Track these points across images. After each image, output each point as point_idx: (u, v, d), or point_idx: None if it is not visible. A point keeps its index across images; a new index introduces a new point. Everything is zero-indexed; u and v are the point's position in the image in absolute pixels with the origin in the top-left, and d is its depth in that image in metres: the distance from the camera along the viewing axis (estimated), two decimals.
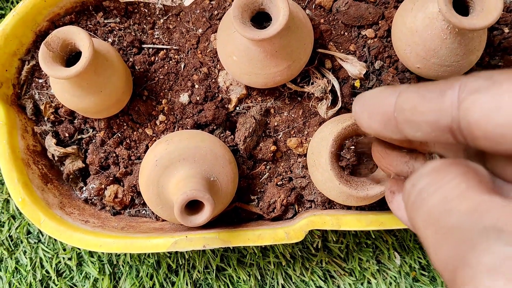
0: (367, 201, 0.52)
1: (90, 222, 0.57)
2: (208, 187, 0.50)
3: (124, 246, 0.53)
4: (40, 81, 0.59)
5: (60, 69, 0.48)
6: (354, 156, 0.53)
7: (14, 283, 0.65)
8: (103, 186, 0.59)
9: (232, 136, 0.57)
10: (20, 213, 0.66)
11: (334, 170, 0.49)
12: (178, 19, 0.59)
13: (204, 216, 0.48)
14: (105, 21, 0.60)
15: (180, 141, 0.52)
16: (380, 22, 0.57)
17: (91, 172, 0.59)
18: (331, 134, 0.49)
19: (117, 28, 0.59)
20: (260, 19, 0.52)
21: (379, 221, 0.54)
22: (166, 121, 0.58)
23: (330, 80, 0.57)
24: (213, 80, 0.58)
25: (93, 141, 0.59)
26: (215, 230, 0.55)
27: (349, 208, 0.58)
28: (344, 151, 0.53)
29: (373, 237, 0.65)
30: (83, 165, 0.59)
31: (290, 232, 0.54)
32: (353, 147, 0.53)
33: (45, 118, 0.59)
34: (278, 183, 0.58)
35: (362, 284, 0.65)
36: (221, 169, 0.52)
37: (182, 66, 0.59)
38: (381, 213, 0.55)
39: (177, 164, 0.51)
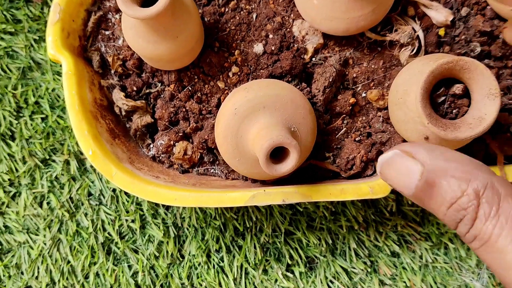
0: (451, 146, 0.49)
1: (161, 178, 0.54)
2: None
3: (200, 199, 0.51)
4: (107, 33, 0.57)
5: (139, 9, 0.46)
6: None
7: (75, 246, 0.63)
8: (172, 142, 0.56)
9: (308, 88, 0.54)
10: (81, 175, 0.64)
11: (425, 109, 0.45)
12: None
13: (290, 164, 0.45)
14: None
15: (260, 88, 0.49)
16: None
17: (159, 128, 0.57)
18: (423, 70, 0.46)
19: None
20: None
21: None
22: (239, 73, 0.55)
23: (413, 27, 0.53)
24: (288, 30, 0.55)
25: (162, 95, 0.56)
26: (293, 186, 0.52)
27: None
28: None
29: None
30: (152, 120, 0.56)
31: (374, 186, 0.51)
32: (444, 96, 0.49)
33: (112, 71, 0.56)
34: (356, 139, 0.55)
35: (439, 249, 0.62)
36: (302, 120, 0.50)
37: (254, 16, 0.56)
38: None
39: (258, 113, 0.48)
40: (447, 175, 0.30)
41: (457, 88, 0.48)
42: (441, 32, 0.54)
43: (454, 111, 0.48)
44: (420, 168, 0.30)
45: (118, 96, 0.55)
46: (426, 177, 0.30)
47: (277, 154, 0.46)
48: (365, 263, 0.62)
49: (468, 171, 0.30)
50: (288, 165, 0.45)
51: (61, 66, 0.61)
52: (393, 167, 0.32)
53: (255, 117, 0.48)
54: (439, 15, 0.53)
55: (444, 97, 0.48)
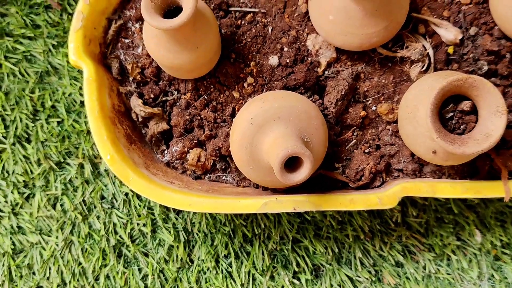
0: (458, 160, 0.51)
1: (175, 183, 0.56)
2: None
3: (214, 205, 0.52)
4: (126, 41, 0.59)
5: (163, 20, 0.47)
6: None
7: (86, 248, 0.64)
8: (186, 149, 0.58)
9: (320, 100, 0.56)
10: (95, 178, 0.65)
11: (434, 124, 0.47)
12: None
13: (303, 173, 0.47)
14: None
15: (275, 100, 0.51)
16: None
17: (174, 135, 0.59)
18: (433, 87, 0.48)
19: None
20: None
21: (475, 188, 0.53)
22: (254, 84, 0.57)
23: (423, 45, 0.55)
24: (302, 44, 0.57)
25: (178, 103, 0.58)
26: (304, 194, 0.54)
27: (439, 177, 0.56)
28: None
29: (455, 212, 0.64)
30: (168, 127, 0.58)
31: (383, 197, 0.53)
32: (452, 112, 0.51)
33: (131, 79, 0.58)
34: (366, 151, 0.57)
35: (441, 260, 0.63)
36: (314, 131, 0.51)
37: (270, 29, 0.58)
38: (477, 182, 0.54)
39: (273, 123, 0.50)
40: None
41: (465, 105, 0.50)
42: (450, 50, 0.56)
43: (461, 126, 0.50)
44: None
45: (136, 103, 0.57)
46: None
47: (290, 163, 0.48)
48: (369, 272, 0.63)
49: None
50: (301, 175, 0.47)
51: (78, 71, 0.63)
52: None
53: (270, 127, 0.50)
54: (449, 33, 0.55)
55: (452, 113, 0.50)
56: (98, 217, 0.65)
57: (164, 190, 0.53)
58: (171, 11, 0.51)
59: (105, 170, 0.65)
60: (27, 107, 0.66)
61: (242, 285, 0.63)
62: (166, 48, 0.51)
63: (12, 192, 0.65)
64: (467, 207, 0.64)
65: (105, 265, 0.64)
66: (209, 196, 0.53)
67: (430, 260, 0.63)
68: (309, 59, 0.57)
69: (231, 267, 0.63)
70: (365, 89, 0.57)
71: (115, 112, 0.57)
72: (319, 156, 0.53)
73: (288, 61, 0.56)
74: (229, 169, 0.59)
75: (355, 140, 0.57)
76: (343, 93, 0.55)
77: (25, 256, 0.65)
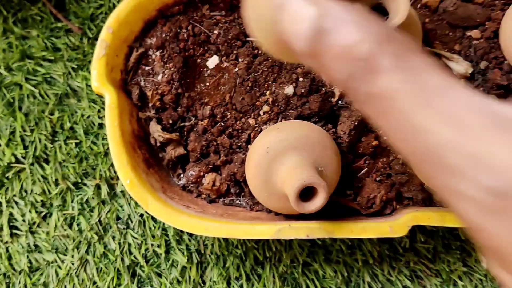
0: None
1: (190, 207, 0.58)
2: None
3: (229, 230, 0.54)
4: (147, 68, 0.61)
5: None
6: None
7: (101, 268, 0.66)
8: (202, 173, 0.60)
9: (333, 129, 0.58)
10: (111, 199, 0.67)
11: None
12: None
13: (318, 203, 0.48)
14: (211, 13, 0.61)
15: (291, 130, 0.53)
16: (486, 23, 0.58)
17: (190, 160, 0.60)
18: None
19: (223, 20, 0.61)
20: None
21: None
22: (270, 112, 0.58)
23: None
24: (317, 74, 0.59)
25: (195, 129, 0.60)
26: (316, 221, 0.55)
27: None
28: None
29: (462, 239, 0.65)
30: (185, 152, 0.60)
31: (394, 226, 0.54)
32: None
33: (150, 104, 0.60)
34: (377, 179, 0.59)
35: (448, 286, 0.65)
36: (328, 160, 0.53)
37: None
38: None
39: (288, 152, 0.52)
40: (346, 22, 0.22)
41: None
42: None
43: None
44: (313, 11, 0.22)
45: (155, 128, 0.59)
46: (319, 24, 0.22)
47: (305, 192, 0.49)
48: None
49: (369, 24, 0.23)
50: (316, 204, 0.49)
51: (97, 95, 0.65)
52: (285, 10, 0.24)
53: (285, 157, 0.52)
54: (460, 67, 0.57)
55: None
56: (113, 237, 0.66)
57: (181, 215, 0.55)
58: None
59: (121, 191, 0.67)
60: (46, 128, 0.68)
61: None
62: None
63: (30, 211, 0.67)
64: None
65: (119, 285, 0.65)
66: (224, 221, 0.55)
67: (437, 285, 0.65)
68: (324, 89, 0.58)
69: None
70: None
71: (134, 137, 0.58)
72: (332, 184, 0.55)
73: (303, 91, 0.58)
74: (243, 194, 0.61)
75: (366, 168, 0.59)
76: (356, 124, 0.56)
77: (41, 274, 0.66)
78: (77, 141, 0.68)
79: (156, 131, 0.59)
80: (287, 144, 0.52)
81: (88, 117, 0.69)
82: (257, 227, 0.54)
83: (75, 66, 0.70)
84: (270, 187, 0.53)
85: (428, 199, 0.58)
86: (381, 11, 0.52)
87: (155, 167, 0.60)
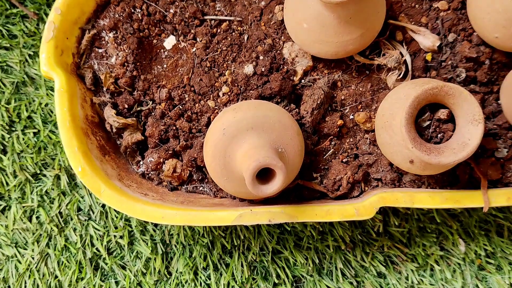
0: (435, 170, 0.50)
1: (149, 195, 0.55)
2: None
3: (187, 218, 0.51)
4: (100, 51, 0.58)
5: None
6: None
7: (63, 261, 0.63)
8: (161, 160, 0.57)
9: (296, 109, 0.55)
10: (71, 190, 0.64)
11: (409, 133, 0.46)
12: None
13: (275, 185, 0.46)
14: None
15: (248, 109, 0.50)
16: None
17: (149, 146, 0.57)
18: (409, 95, 0.47)
19: None
20: None
21: (454, 198, 0.52)
22: (229, 93, 0.56)
23: (401, 52, 0.54)
24: (278, 52, 0.56)
25: (153, 113, 0.57)
26: (280, 206, 0.53)
27: (419, 186, 0.55)
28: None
29: (438, 221, 0.62)
30: (142, 137, 0.57)
31: (360, 208, 0.52)
32: (429, 121, 0.50)
33: (104, 89, 0.57)
34: (343, 160, 0.56)
35: (424, 271, 0.62)
36: (289, 141, 0.50)
37: (246, 37, 0.57)
38: (456, 191, 0.52)
39: (246, 133, 0.49)
40: None
41: (442, 113, 0.49)
42: (428, 57, 0.55)
43: (439, 135, 0.49)
44: None
45: (109, 113, 0.56)
46: None
47: (265, 174, 0.47)
48: (351, 283, 0.62)
49: None
50: (273, 186, 0.46)
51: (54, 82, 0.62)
52: None
53: (243, 138, 0.49)
54: (427, 40, 0.54)
55: (429, 121, 0.49)
56: (74, 229, 0.64)
57: (136, 203, 0.52)
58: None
59: (82, 182, 0.64)
60: (2, 118, 0.65)
61: None
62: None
63: None
64: (450, 216, 0.63)
65: (82, 278, 0.63)
66: (183, 208, 0.52)
67: (413, 270, 0.62)
68: (285, 67, 0.56)
69: (210, 279, 0.62)
70: (342, 97, 0.56)
71: (88, 123, 0.56)
72: (295, 166, 0.52)
73: (263, 69, 0.55)
74: (206, 180, 0.58)
75: (333, 150, 0.56)
76: (319, 102, 0.54)
77: (0, 270, 0.63)
78: (35, 130, 0.65)
79: (110, 116, 0.56)
80: (244, 125, 0.49)
81: (46, 105, 0.66)
82: (217, 214, 0.52)
83: (32, 53, 0.67)
84: (228, 170, 0.50)
85: (397, 180, 0.55)
86: None
87: (111, 154, 0.57)
